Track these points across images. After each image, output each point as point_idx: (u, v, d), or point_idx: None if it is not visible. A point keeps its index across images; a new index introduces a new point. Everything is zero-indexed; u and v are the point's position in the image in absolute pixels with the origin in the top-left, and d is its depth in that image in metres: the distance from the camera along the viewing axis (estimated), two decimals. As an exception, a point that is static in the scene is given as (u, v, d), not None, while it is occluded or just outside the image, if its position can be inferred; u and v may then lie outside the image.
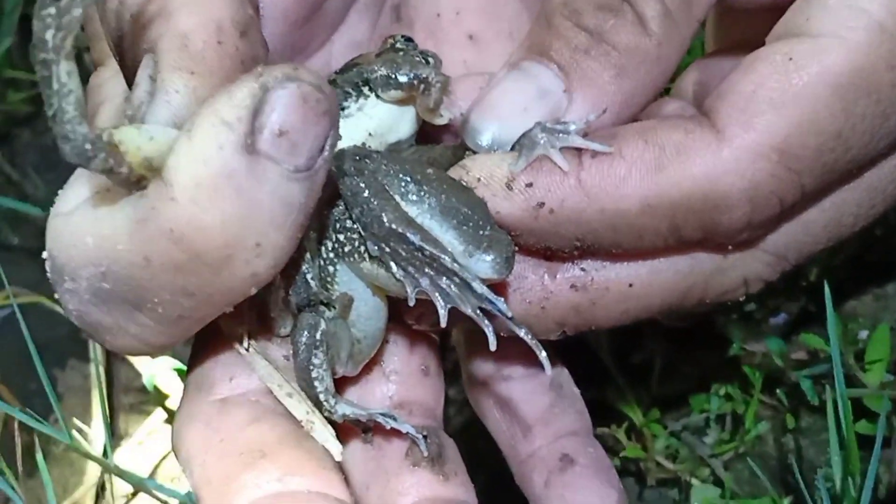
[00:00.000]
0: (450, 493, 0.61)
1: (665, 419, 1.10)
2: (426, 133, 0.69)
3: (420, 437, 0.62)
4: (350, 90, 0.63)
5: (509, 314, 0.54)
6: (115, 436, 1.23)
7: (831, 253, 0.98)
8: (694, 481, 1.07)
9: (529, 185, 0.56)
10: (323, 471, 0.56)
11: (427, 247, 0.54)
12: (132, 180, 0.47)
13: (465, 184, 0.59)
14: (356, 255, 0.59)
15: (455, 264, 0.54)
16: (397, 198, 0.56)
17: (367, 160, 0.57)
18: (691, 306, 0.63)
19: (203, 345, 0.63)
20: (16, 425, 0.89)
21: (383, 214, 0.55)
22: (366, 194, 0.55)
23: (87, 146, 0.44)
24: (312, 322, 0.60)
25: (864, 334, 0.89)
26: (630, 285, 0.61)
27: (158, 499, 0.97)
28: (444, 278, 0.54)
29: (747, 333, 0.95)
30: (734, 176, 0.53)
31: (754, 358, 0.99)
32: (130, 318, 0.50)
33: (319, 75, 0.48)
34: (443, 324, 0.54)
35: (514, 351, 0.71)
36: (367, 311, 0.63)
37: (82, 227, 0.48)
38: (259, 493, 0.53)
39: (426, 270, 0.54)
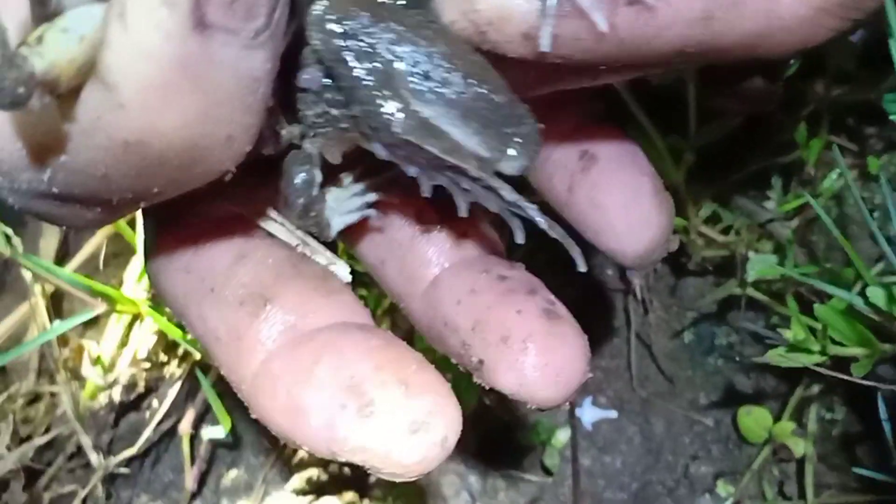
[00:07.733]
0: (470, 252, 0.55)
1: (712, 182, 0.89)
2: None
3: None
4: None
5: (539, 219, 0.45)
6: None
7: None
8: (751, 255, 0.86)
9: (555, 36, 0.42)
10: (336, 298, 0.50)
11: (449, 159, 0.43)
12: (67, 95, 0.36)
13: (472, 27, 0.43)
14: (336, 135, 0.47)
15: (480, 172, 0.44)
16: (404, 93, 0.43)
17: (346, 21, 0.42)
18: None
19: None
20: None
21: (392, 123, 0.43)
22: (367, 87, 0.43)
23: (20, 89, 0.33)
24: (301, 157, 0.49)
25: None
26: None
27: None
28: (467, 180, 0.45)
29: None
30: None
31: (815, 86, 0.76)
32: (87, 211, 0.43)
33: None
34: (463, 214, 0.46)
35: None
36: None
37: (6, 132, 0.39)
38: (277, 344, 0.47)
39: (446, 173, 0.45)
